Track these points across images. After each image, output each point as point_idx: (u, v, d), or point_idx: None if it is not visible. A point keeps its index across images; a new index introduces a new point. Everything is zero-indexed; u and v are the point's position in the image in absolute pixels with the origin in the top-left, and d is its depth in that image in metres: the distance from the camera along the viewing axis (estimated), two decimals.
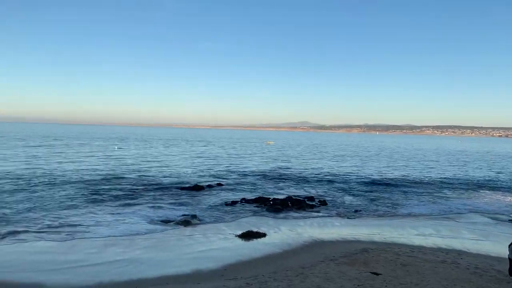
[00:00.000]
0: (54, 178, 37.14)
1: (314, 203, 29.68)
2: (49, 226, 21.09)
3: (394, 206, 30.07)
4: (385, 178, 46.09)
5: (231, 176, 44.31)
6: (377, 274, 13.92)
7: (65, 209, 25.21)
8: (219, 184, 37.24)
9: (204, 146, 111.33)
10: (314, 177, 45.53)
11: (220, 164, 57.53)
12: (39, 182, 34.66)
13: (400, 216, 26.85)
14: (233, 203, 28.69)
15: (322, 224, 23.72)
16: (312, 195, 32.49)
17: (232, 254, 17.33)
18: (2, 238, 18.74)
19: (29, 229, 20.29)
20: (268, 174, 47.16)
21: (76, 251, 17.25)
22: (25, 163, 49.79)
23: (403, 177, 47.85)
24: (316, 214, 26.50)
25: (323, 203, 29.54)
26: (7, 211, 23.97)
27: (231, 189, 35.28)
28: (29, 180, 35.43)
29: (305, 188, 37.18)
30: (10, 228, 20.38)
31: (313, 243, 19.48)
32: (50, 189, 31.75)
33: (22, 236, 19.18)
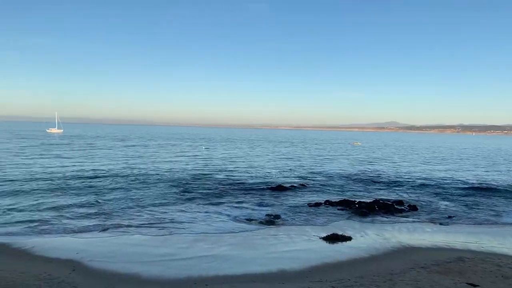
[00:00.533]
0: (149, 176, 39.88)
1: (403, 207, 28.30)
2: (144, 221, 22.70)
3: (494, 213, 27.55)
4: (484, 183, 42.42)
5: (315, 177, 43.96)
6: (474, 285, 12.88)
7: (158, 205, 26.94)
8: (303, 185, 37.14)
9: (288, 147, 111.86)
10: (403, 180, 43.41)
11: (304, 165, 57.36)
12: (135, 179, 37.48)
13: (500, 224, 24.54)
14: (317, 204, 28.41)
15: (411, 230, 22.53)
16: (401, 199, 30.99)
17: (316, 256, 17.17)
18: (105, 229, 20.59)
19: (127, 223, 22.02)
20: (354, 176, 45.98)
21: (168, 245, 18.33)
22: (124, 162, 54.16)
23: (505, 182, 43.68)
24: (405, 219, 25.23)
25: (413, 208, 28.02)
26: (108, 206, 26.28)
27: (315, 191, 34.99)
28: (126, 178, 38.48)
29: (394, 192, 35.60)
30: (112, 221, 22.33)
31: (402, 249, 18.57)
32: (145, 186, 34.15)
33: (121, 229, 20.87)
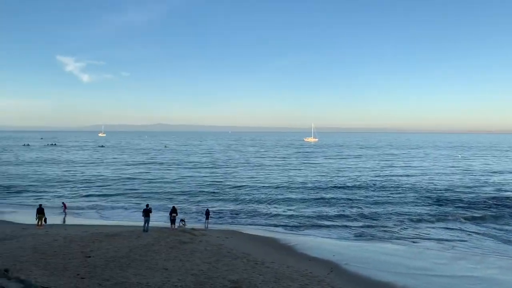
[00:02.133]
0: (401, 186, 39.09)
1: None
2: (396, 231, 22.45)
3: None
4: None
5: None
6: None
7: (411, 216, 26.15)
8: None
9: None
10: None
11: None
12: (387, 188, 37.43)
13: None
14: None
15: None
16: None
17: None
18: (359, 235, 21.40)
19: (379, 231, 22.26)
20: None
21: (423, 259, 17.43)
22: (374, 171, 54.72)
23: None
24: None
25: None
26: (362, 214, 27.32)
27: None
28: (378, 187, 38.88)
29: None
30: (365, 229, 23.06)
31: None
32: (398, 196, 33.66)
33: (374, 236, 21.34)
